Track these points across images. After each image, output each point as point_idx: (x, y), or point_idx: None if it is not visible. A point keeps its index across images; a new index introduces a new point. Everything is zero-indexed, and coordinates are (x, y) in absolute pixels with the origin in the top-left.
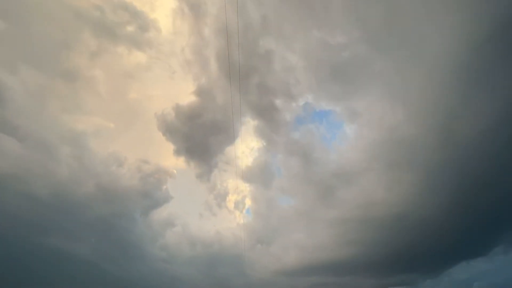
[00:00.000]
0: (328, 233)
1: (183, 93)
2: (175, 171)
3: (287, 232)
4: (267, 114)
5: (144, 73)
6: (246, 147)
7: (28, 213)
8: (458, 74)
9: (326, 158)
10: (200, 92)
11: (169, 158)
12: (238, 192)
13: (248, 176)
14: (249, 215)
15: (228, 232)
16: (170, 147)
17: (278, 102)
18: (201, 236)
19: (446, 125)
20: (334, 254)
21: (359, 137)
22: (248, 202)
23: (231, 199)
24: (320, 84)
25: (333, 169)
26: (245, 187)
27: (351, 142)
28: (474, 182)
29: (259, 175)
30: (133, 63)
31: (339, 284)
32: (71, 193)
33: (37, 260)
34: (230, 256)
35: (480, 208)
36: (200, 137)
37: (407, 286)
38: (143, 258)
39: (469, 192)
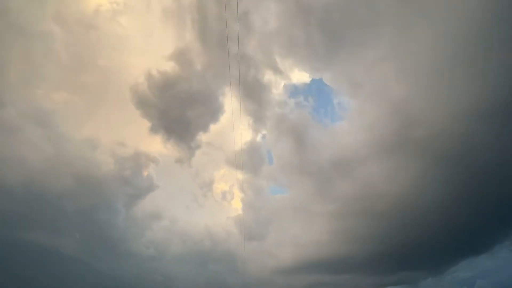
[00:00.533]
0: (324, 222)
1: (161, 55)
2: (157, 156)
3: (281, 224)
4: (251, 88)
5: (110, 27)
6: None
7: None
8: (477, 35)
9: (319, 139)
10: (179, 57)
11: (152, 141)
12: (226, 180)
13: (238, 161)
14: (239, 207)
15: (219, 227)
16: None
17: (262, 73)
18: (190, 230)
19: (456, 99)
20: (331, 251)
21: (356, 112)
22: (236, 192)
23: (218, 187)
24: (307, 42)
25: (328, 155)
26: (236, 175)
27: (348, 117)
28: (478, 175)
29: (249, 160)
30: (92, 12)
31: (337, 283)
32: (47, 182)
33: (18, 256)
34: (222, 253)
35: (483, 204)
36: (178, 111)
37: (407, 285)
38: (130, 254)
39: (472, 187)
